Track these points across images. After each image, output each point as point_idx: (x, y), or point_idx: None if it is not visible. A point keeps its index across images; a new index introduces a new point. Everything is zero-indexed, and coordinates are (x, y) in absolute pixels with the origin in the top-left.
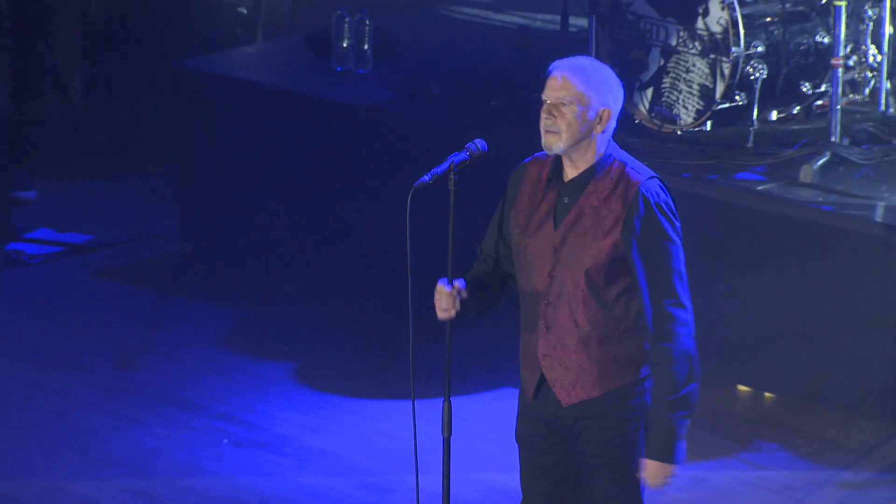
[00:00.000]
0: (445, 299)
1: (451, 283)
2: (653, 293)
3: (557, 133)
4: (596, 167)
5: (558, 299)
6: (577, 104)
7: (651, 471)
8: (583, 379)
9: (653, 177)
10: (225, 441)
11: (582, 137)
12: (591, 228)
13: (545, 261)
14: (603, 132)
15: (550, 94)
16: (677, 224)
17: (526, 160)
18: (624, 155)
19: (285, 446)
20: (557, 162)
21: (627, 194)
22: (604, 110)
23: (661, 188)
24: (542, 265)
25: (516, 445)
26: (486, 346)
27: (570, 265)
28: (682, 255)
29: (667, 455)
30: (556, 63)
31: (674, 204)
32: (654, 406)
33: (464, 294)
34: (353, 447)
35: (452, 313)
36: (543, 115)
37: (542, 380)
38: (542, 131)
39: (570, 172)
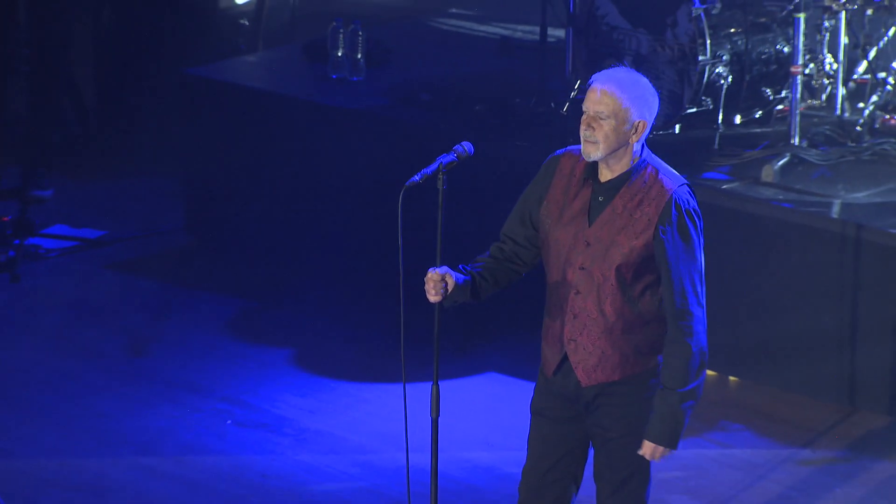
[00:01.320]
0: (433, 285)
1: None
2: (675, 291)
3: (595, 143)
4: (631, 172)
5: (588, 290)
6: (614, 118)
7: (652, 451)
8: (604, 364)
9: (683, 184)
10: (228, 422)
11: (618, 147)
12: (625, 228)
13: (577, 253)
14: (638, 141)
15: (590, 106)
16: (700, 227)
17: (558, 152)
18: (657, 161)
19: (284, 427)
20: (594, 162)
21: (660, 200)
22: (639, 122)
23: (690, 195)
24: (573, 257)
25: (506, 425)
26: (472, 334)
27: (602, 260)
28: (702, 258)
29: (670, 441)
30: (597, 76)
31: (699, 208)
32: (663, 394)
33: (450, 281)
34: (347, 427)
35: (440, 298)
36: (583, 127)
37: (564, 360)
38: (582, 140)
39: (606, 174)
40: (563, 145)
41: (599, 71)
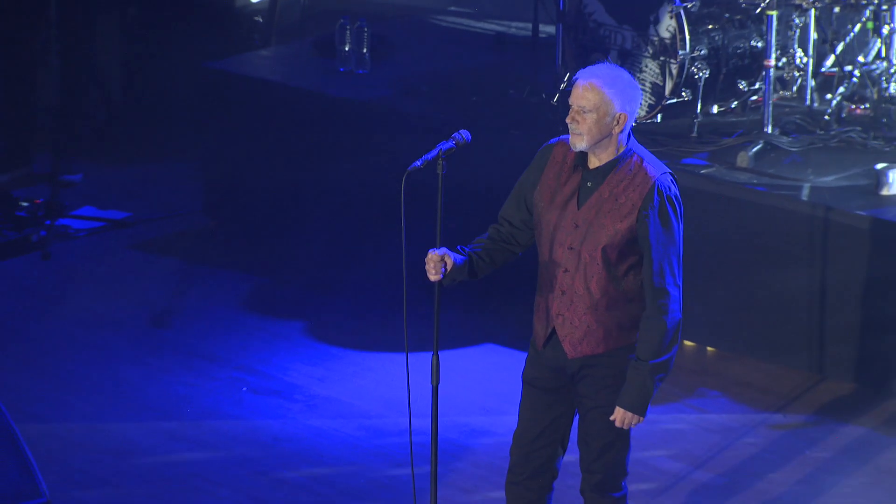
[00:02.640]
0: (433, 265)
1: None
2: (654, 271)
3: (580, 135)
4: (618, 160)
5: (576, 269)
6: (596, 111)
7: (622, 417)
8: (589, 338)
9: (665, 172)
10: (244, 389)
11: (602, 137)
12: (611, 212)
13: (566, 234)
14: (621, 132)
15: (575, 100)
16: (680, 213)
17: (552, 141)
18: (642, 150)
19: (295, 393)
20: (583, 151)
21: (644, 186)
22: (620, 114)
23: (672, 182)
24: (563, 237)
25: (500, 393)
26: (470, 308)
27: (589, 241)
28: (681, 241)
29: (640, 409)
30: (581, 72)
31: (679, 194)
32: (637, 365)
33: (448, 262)
34: (354, 394)
35: (439, 277)
36: (569, 120)
37: (553, 333)
38: (570, 132)
39: (594, 162)
40: (554, 134)
41: (587, 65)
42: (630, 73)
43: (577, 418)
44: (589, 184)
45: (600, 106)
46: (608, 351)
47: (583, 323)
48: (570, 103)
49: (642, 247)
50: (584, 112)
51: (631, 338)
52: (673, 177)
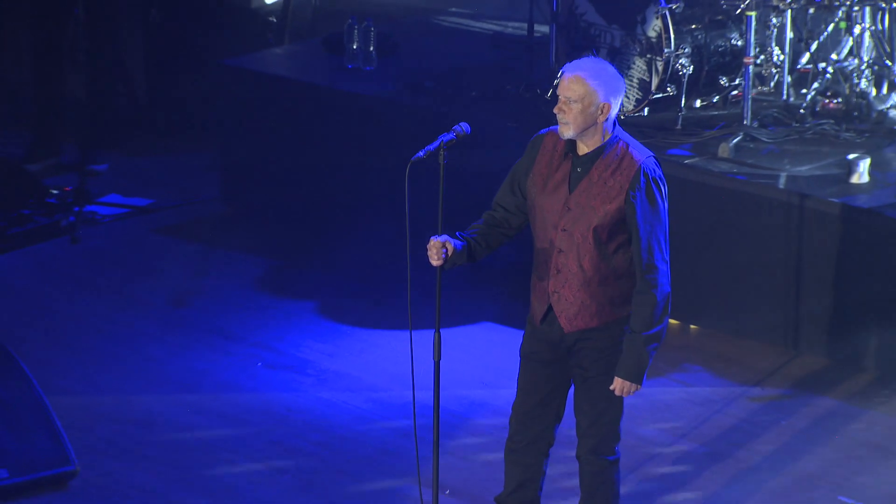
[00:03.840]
0: (435, 251)
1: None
2: (643, 248)
3: (567, 124)
4: (605, 146)
5: (569, 249)
6: (581, 102)
7: (621, 386)
8: (583, 313)
9: (650, 156)
10: (259, 364)
11: (588, 126)
12: (600, 194)
13: (559, 217)
14: (606, 120)
15: (561, 92)
16: (665, 193)
17: (542, 131)
18: (628, 137)
19: (307, 368)
20: (571, 139)
21: (630, 170)
22: (604, 104)
23: (656, 165)
24: (555, 220)
25: (498, 367)
26: (469, 289)
27: (581, 222)
28: (667, 218)
29: (637, 377)
30: (567, 65)
31: (664, 176)
32: (631, 337)
33: (449, 248)
34: (361, 369)
35: (441, 262)
36: (556, 110)
37: (549, 310)
38: (558, 121)
39: (583, 149)
40: (547, 125)
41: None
42: (618, 69)
43: (572, 389)
44: (579, 169)
45: (585, 96)
46: (601, 325)
47: (577, 299)
48: (557, 94)
49: (630, 226)
50: (571, 102)
51: (622, 312)
52: (657, 160)
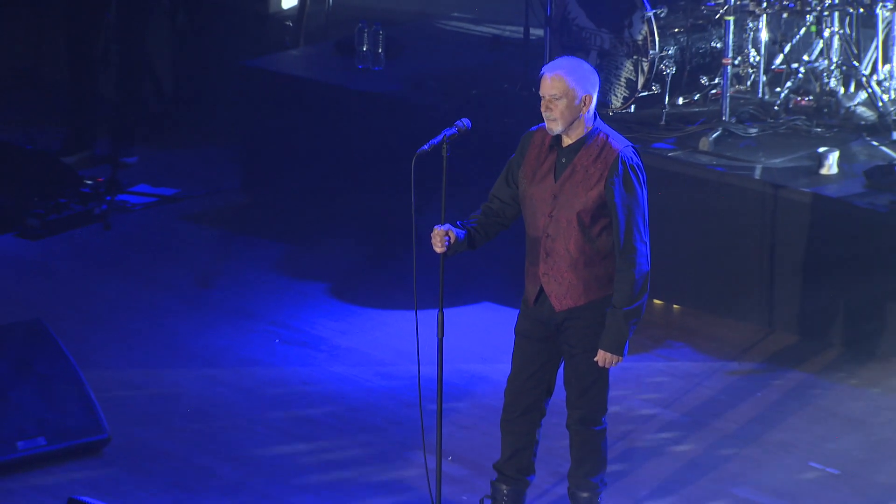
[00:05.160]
0: (438, 239)
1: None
2: (622, 231)
3: (555, 120)
4: (586, 137)
5: (556, 233)
6: (566, 97)
7: (603, 357)
8: (571, 292)
9: (628, 146)
10: (276, 341)
11: (573, 119)
12: (582, 182)
13: (547, 204)
14: (588, 112)
15: (545, 91)
16: (643, 178)
17: (532, 129)
18: (607, 128)
19: (321, 344)
20: (559, 133)
21: (609, 158)
22: (585, 96)
23: (634, 153)
24: (544, 207)
25: (496, 344)
26: (471, 273)
27: (566, 208)
28: (645, 203)
29: (617, 348)
30: (546, 67)
31: (642, 163)
32: (613, 312)
33: (452, 236)
34: (371, 345)
35: (444, 249)
36: (543, 109)
37: (541, 291)
38: (545, 119)
39: (567, 141)
40: (540, 122)
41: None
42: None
43: (562, 365)
44: (563, 160)
45: (567, 92)
46: (588, 303)
47: (565, 280)
48: (541, 94)
49: (611, 210)
50: (556, 99)
51: (607, 290)
52: (635, 149)
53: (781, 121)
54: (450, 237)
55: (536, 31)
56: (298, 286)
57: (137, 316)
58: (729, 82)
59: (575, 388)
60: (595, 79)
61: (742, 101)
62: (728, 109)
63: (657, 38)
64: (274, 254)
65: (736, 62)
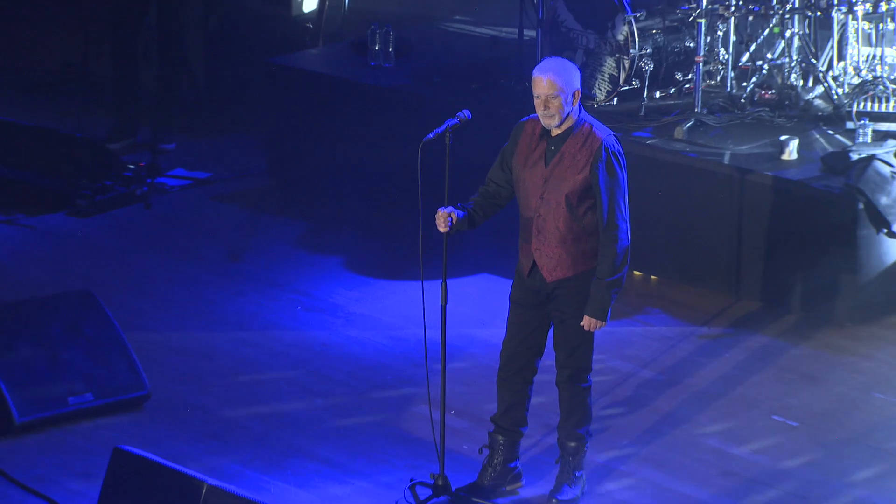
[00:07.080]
0: (442, 220)
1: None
2: (605, 210)
3: (553, 116)
4: (573, 127)
5: (547, 213)
6: (560, 95)
7: (588, 322)
8: (561, 265)
9: (610, 134)
10: (299, 308)
11: (567, 113)
12: (570, 167)
13: (538, 187)
14: (577, 104)
15: (541, 91)
16: (623, 163)
17: (523, 119)
18: (591, 118)
19: (338, 311)
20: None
21: (593, 145)
22: (576, 91)
23: (616, 141)
24: (535, 190)
25: (492, 310)
26: (470, 248)
27: (555, 191)
28: (626, 185)
29: (601, 314)
30: (537, 69)
31: (622, 150)
32: (597, 283)
33: (454, 217)
34: (383, 311)
35: (447, 229)
36: (540, 107)
37: (534, 265)
38: (541, 117)
39: (556, 131)
40: (532, 113)
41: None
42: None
43: (552, 329)
44: (552, 148)
45: (562, 90)
46: (576, 274)
47: (555, 254)
48: (537, 94)
49: (595, 192)
50: (553, 98)
51: (592, 263)
52: (616, 137)
53: (747, 112)
54: (452, 218)
55: (529, 32)
56: (318, 259)
57: (175, 286)
58: (701, 78)
59: (563, 349)
60: (578, 74)
61: (712, 95)
62: (700, 102)
63: (637, 39)
64: (296, 231)
65: (707, 60)
